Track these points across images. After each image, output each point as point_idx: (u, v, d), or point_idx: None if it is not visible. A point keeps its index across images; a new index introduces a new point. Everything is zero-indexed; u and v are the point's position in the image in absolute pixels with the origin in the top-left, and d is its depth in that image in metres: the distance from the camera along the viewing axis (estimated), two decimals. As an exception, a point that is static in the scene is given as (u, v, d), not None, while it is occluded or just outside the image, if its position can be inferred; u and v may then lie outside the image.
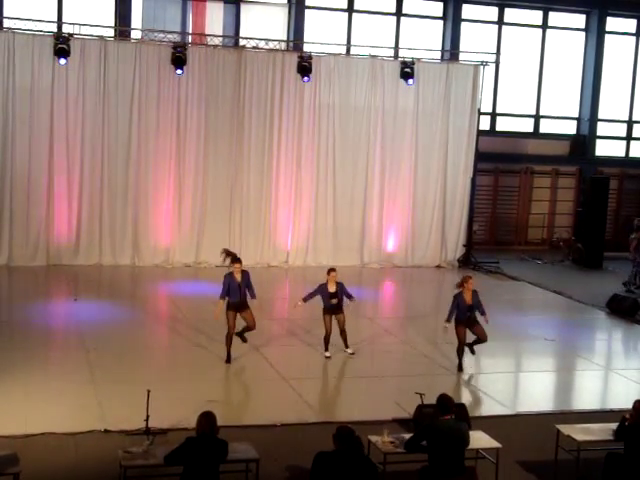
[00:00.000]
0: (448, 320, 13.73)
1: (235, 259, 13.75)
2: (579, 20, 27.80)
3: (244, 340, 13.92)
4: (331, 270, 14.27)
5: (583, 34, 27.84)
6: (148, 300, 18.68)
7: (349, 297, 14.33)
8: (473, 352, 14.12)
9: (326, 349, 14.38)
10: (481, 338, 13.79)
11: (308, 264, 22.62)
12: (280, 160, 22.43)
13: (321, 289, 14.16)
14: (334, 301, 14.09)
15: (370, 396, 12.61)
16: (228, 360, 13.61)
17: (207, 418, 7.98)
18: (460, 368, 13.95)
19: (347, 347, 14.49)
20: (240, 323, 13.76)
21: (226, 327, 13.57)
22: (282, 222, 22.64)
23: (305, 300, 14.20)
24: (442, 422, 8.51)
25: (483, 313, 13.79)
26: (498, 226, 27.36)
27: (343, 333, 14.33)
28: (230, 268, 13.72)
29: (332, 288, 14.12)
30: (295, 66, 21.96)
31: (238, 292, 13.50)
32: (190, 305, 17.80)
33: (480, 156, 24.38)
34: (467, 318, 13.63)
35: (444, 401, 8.62)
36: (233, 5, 23.88)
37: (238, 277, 13.58)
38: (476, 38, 26.08)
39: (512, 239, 27.52)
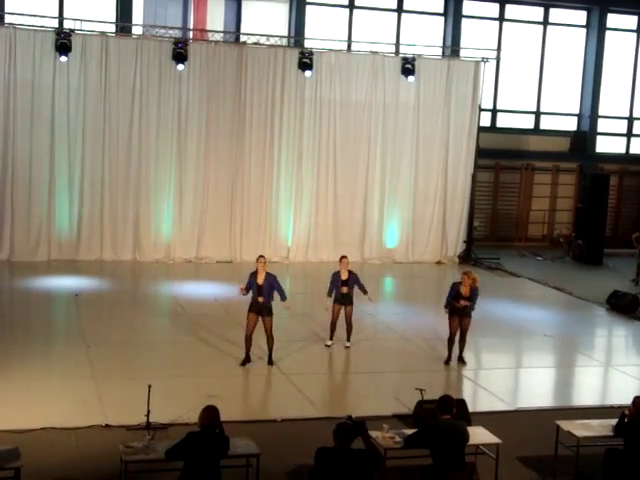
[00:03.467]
0: (446, 306, 13.93)
1: (260, 255, 13.47)
2: (580, 17, 27.78)
3: (270, 362, 13.48)
4: (343, 257, 14.41)
5: (584, 30, 27.83)
6: (149, 295, 18.69)
7: (363, 291, 14.44)
8: (464, 362, 14.11)
9: (330, 337, 14.56)
10: (463, 330, 13.87)
11: (309, 260, 22.65)
12: (281, 156, 22.44)
13: (335, 277, 14.28)
14: (345, 290, 14.19)
15: (370, 391, 12.63)
16: (245, 362, 13.26)
17: (210, 411, 8.03)
18: (448, 361, 14.03)
19: (348, 340, 14.60)
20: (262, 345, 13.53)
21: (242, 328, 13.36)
22: (283, 218, 22.66)
23: (330, 294, 14.30)
24: (441, 421, 8.58)
25: (472, 308, 13.90)
26: (498, 222, 27.37)
27: (348, 326, 14.46)
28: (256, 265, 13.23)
29: (344, 276, 14.27)
30: (296, 62, 21.97)
31: (257, 294, 13.04)
32: (191, 300, 17.82)
33: (481, 152, 24.39)
34: (461, 308, 13.72)
35: (445, 401, 8.70)
36: (234, 1, 23.87)
37: (260, 278, 13.05)
38: (477, 34, 26.08)
39: (512, 235, 27.53)
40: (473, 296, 13.76)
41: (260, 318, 13.17)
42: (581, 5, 27.50)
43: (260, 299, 13.03)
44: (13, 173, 20.63)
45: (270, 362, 13.44)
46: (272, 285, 13.18)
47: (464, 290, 13.72)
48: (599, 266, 24.69)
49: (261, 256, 13.40)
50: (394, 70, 22.91)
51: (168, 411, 10.73)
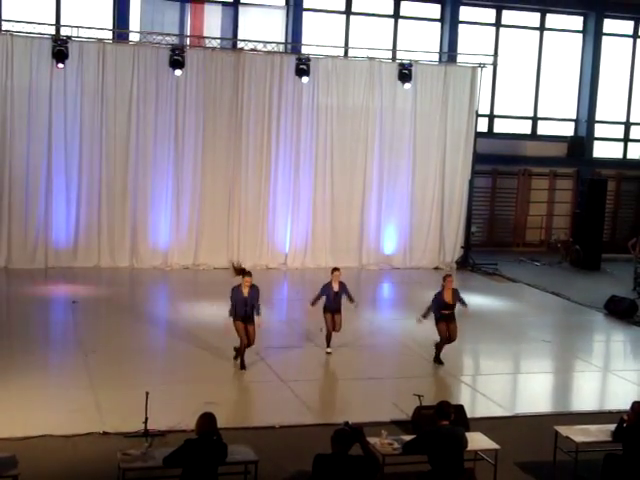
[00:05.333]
0: (424, 316, 14.12)
1: (245, 272, 13.43)
2: (576, 22, 27.83)
3: (242, 366, 13.53)
4: (335, 270, 14.49)
5: (580, 36, 27.88)
6: (146, 302, 18.67)
7: (350, 299, 14.51)
8: (441, 362, 14.20)
9: (328, 345, 14.54)
10: (452, 337, 14.04)
11: (306, 266, 22.63)
12: (278, 162, 22.43)
13: (326, 289, 14.31)
14: (335, 300, 14.29)
15: (368, 398, 12.61)
16: (243, 366, 13.41)
17: (207, 418, 8.03)
18: (438, 360, 14.17)
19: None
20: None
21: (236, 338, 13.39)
22: (280, 224, 22.65)
23: (313, 304, 14.35)
24: (440, 427, 8.57)
25: (464, 304, 14.18)
26: (496, 228, 27.37)
27: (335, 332, 14.49)
28: (240, 281, 13.33)
29: (336, 287, 14.32)
30: (293, 68, 21.95)
31: (244, 307, 13.16)
32: (188, 307, 17.80)
33: (478, 158, 24.39)
34: (446, 315, 13.90)
35: (443, 407, 8.70)
36: (231, 7, 23.88)
37: (245, 291, 13.22)
38: (474, 40, 26.09)
39: (510, 241, 27.53)
40: (457, 299, 14.02)
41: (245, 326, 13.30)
42: (577, 10, 27.54)
43: (244, 310, 13.21)
44: (10, 180, 20.59)
45: (242, 363, 13.54)
46: (255, 297, 13.28)
47: (447, 295, 13.91)
48: (597, 271, 24.69)
49: (248, 274, 13.36)
50: (391, 76, 22.89)
51: (166, 418, 10.71)
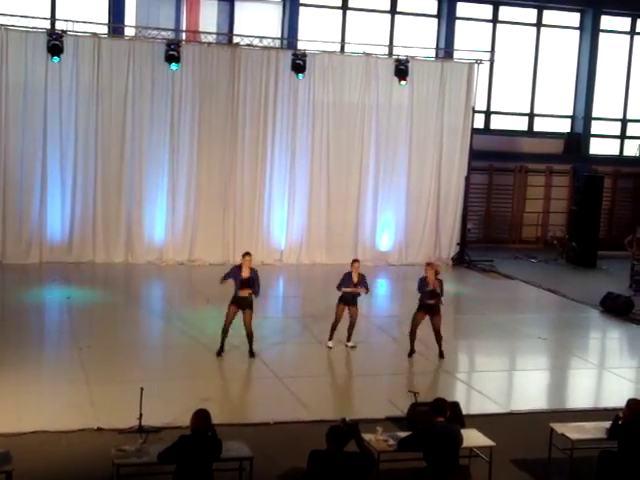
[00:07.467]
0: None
1: (246, 252, 13.83)
2: (573, 18, 27.81)
3: (252, 355, 13.78)
4: (355, 261, 14.47)
5: (577, 32, 27.85)
6: (141, 298, 18.63)
7: (366, 289, 14.46)
8: (442, 356, 14.26)
9: (330, 338, 14.55)
10: (436, 329, 14.09)
11: (302, 262, 22.60)
12: (274, 157, 22.39)
13: (347, 277, 14.27)
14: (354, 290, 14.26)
15: (364, 394, 12.60)
16: (220, 352, 13.67)
17: (202, 415, 7.99)
18: (411, 354, 14.25)
19: (349, 340, 14.62)
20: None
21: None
22: (276, 220, 22.61)
23: (339, 288, 14.26)
24: (435, 424, 8.54)
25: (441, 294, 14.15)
26: (492, 224, 27.35)
27: (352, 326, 14.49)
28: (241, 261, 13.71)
29: (355, 278, 14.27)
30: (289, 64, 21.89)
31: (239, 287, 13.41)
32: (183, 303, 17.77)
33: (474, 154, 24.35)
34: (429, 305, 13.94)
35: (438, 404, 8.69)
36: (227, 2, 23.81)
37: (245, 273, 13.45)
38: (470, 36, 26.08)
39: (506, 237, 27.52)
40: (440, 288, 14.01)
41: (240, 312, 13.51)
42: (574, 7, 27.52)
43: (242, 292, 13.37)
44: (5, 175, 20.52)
45: (251, 354, 13.72)
46: (256, 279, 13.54)
47: (430, 280, 13.92)
48: (593, 268, 24.67)
49: (247, 253, 13.77)
50: (387, 72, 22.84)
51: (161, 414, 10.68)
